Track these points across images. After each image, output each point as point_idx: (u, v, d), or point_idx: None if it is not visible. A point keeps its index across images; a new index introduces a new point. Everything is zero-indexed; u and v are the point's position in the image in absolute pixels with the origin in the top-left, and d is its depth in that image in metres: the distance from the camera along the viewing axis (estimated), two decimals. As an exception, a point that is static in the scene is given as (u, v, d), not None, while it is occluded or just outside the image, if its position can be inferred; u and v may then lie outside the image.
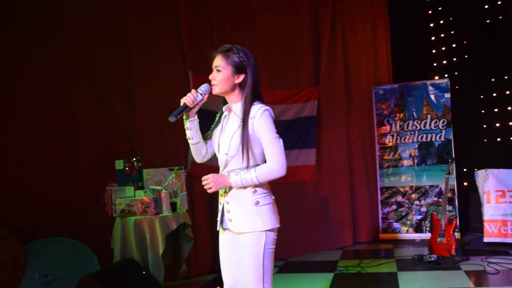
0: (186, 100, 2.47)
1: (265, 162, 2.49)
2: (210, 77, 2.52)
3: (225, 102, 2.64)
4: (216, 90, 2.52)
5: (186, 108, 2.48)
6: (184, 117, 2.54)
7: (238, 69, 2.49)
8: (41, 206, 4.46)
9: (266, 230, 2.45)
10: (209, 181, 2.47)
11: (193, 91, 2.49)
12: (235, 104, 2.54)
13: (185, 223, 4.34)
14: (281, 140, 2.46)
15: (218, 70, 2.48)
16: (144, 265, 4.00)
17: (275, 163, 2.42)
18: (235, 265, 2.56)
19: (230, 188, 2.50)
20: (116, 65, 4.94)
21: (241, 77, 2.50)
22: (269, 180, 2.46)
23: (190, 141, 2.61)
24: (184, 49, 5.31)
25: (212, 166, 2.74)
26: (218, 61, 2.49)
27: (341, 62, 6.75)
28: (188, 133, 2.59)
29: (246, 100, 2.48)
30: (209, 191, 2.49)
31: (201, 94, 2.50)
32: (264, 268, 2.44)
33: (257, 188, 2.48)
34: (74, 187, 4.63)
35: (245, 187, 2.46)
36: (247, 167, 2.45)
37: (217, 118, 2.67)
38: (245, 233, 2.45)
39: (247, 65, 2.50)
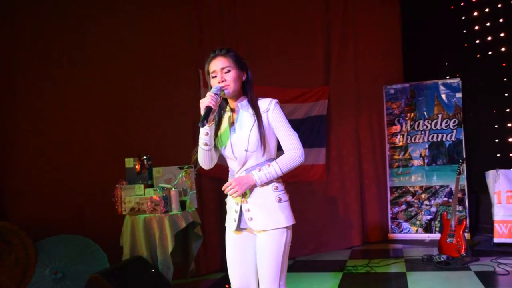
0: (209, 102, 2.33)
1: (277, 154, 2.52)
2: (220, 79, 2.45)
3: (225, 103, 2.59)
4: (230, 90, 2.46)
5: (211, 110, 2.35)
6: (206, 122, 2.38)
7: (242, 66, 2.54)
8: (52, 204, 4.50)
9: (287, 227, 2.47)
10: (233, 186, 2.44)
11: (209, 93, 2.38)
12: (241, 102, 2.54)
13: (194, 222, 4.35)
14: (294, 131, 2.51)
15: (228, 71, 2.47)
16: (153, 263, 4.02)
17: (294, 151, 2.48)
18: (245, 266, 2.55)
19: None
20: (127, 64, 4.96)
21: (245, 74, 2.55)
22: (291, 169, 2.48)
23: (205, 148, 2.50)
24: (195, 49, 5.32)
25: (222, 165, 2.72)
26: (225, 63, 2.48)
27: (351, 61, 6.74)
28: (206, 139, 2.48)
29: (252, 95, 2.52)
30: (235, 195, 2.45)
31: (218, 95, 2.40)
32: (282, 266, 2.46)
33: (277, 185, 2.49)
34: (84, 185, 4.66)
35: (268, 184, 2.47)
36: (266, 160, 2.48)
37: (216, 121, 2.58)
38: (267, 230, 2.44)
39: (245, 63, 2.57)
